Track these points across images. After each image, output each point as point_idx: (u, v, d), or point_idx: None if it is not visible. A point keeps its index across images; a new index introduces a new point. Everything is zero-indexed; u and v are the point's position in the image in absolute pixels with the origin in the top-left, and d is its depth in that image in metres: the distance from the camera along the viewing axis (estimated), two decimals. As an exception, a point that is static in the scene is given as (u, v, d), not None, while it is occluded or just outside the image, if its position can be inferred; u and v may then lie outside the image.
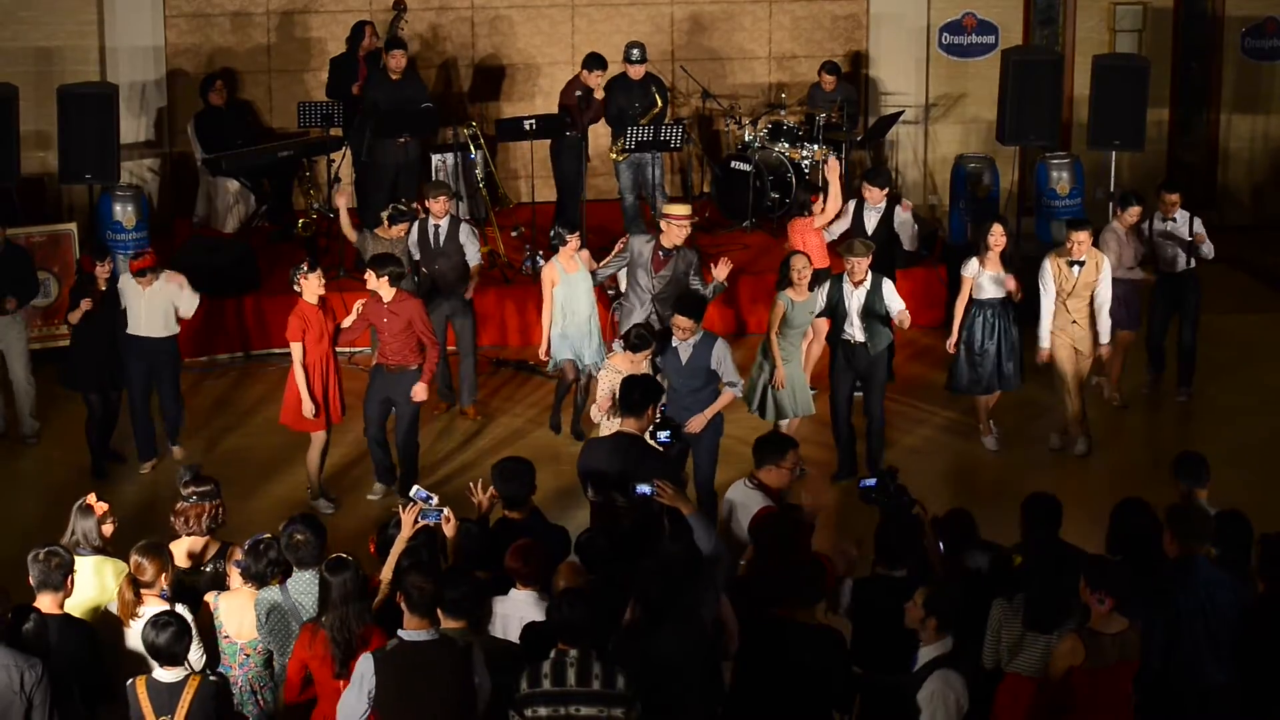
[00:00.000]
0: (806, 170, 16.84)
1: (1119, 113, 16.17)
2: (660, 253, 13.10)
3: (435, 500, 8.83)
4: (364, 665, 7.67)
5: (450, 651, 7.66)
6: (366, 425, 12.64)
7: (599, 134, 16.43)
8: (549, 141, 16.14)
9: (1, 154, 14.96)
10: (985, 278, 13.19)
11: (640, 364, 11.38)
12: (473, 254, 13.78)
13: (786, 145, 16.93)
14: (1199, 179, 18.40)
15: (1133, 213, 13.96)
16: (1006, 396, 13.61)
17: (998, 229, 13.19)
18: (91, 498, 9.06)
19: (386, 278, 12.22)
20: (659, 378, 11.57)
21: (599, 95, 15.86)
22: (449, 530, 8.74)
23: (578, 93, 15.82)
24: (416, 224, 13.71)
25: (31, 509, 12.51)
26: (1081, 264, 13.09)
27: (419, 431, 12.65)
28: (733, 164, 17.01)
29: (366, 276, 12.37)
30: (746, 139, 17.10)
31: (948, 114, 18.03)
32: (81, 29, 16.69)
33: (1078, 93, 17.44)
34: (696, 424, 11.48)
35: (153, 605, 8.42)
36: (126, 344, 12.84)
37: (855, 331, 12.69)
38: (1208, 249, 14.05)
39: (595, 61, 15.91)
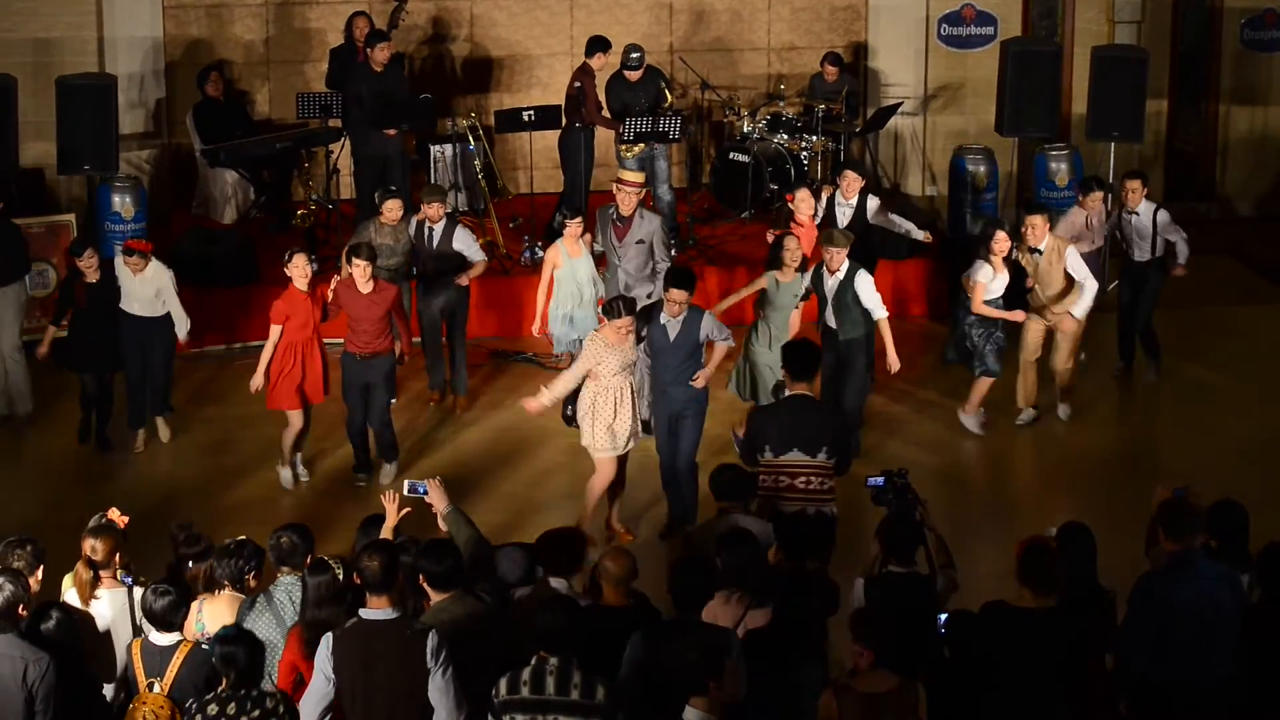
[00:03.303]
0: (805, 162, 16.84)
1: (1118, 104, 16.15)
2: (617, 220, 13.28)
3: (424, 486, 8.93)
4: (324, 645, 7.67)
5: (405, 632, 7.63)
6: (350, 417, 12.67)
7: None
8: (556, 133, 16.12)
9: (0, 145, 14.94)
10: (993, 280, 13.27)
11: (626, 336, 11.39)
12: (475, 254, 13.69)
13: (785, 137, 16.92)
14: (1197, 170, 18.40)
15: (1094, 198, 14.09)
16: (999, 383, 13.55)
17: (1001, 236, 13.12)
18: (114, 513, 8.94)
19: (364, 265, 12.22)
20: (643, 349, 11.77)
21: (597, 80, 15.84)
22: (437, 502, 8.76)
23: (576, 84, 15.80)
24: (415, 222, 13.64)
25: (28, 493, 12.54)
26: (1041, 252, 13.27)
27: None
28: (731, 155, 17.00)
29: (350, 264, 12.36)
30: (745, 130, 17.09)
31: (947, 105, 18.02)
32: (80, 20, 16.66)
33: (1077, 84, 17.42)
34: (703, 379, 11.58)
35: (109, 587, 8.53)
36: (123, 320, 13.03)
37: (829, 318, 12.74)
38: (1181, 252, 14.11)
39: (599, 44, 15.87)
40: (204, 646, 8.05)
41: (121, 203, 15.48)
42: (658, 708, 7.73)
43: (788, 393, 10.72)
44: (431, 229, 13.61)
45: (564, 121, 15.94)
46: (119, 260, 13.02)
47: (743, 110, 17.32)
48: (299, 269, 12.37)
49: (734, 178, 16.94)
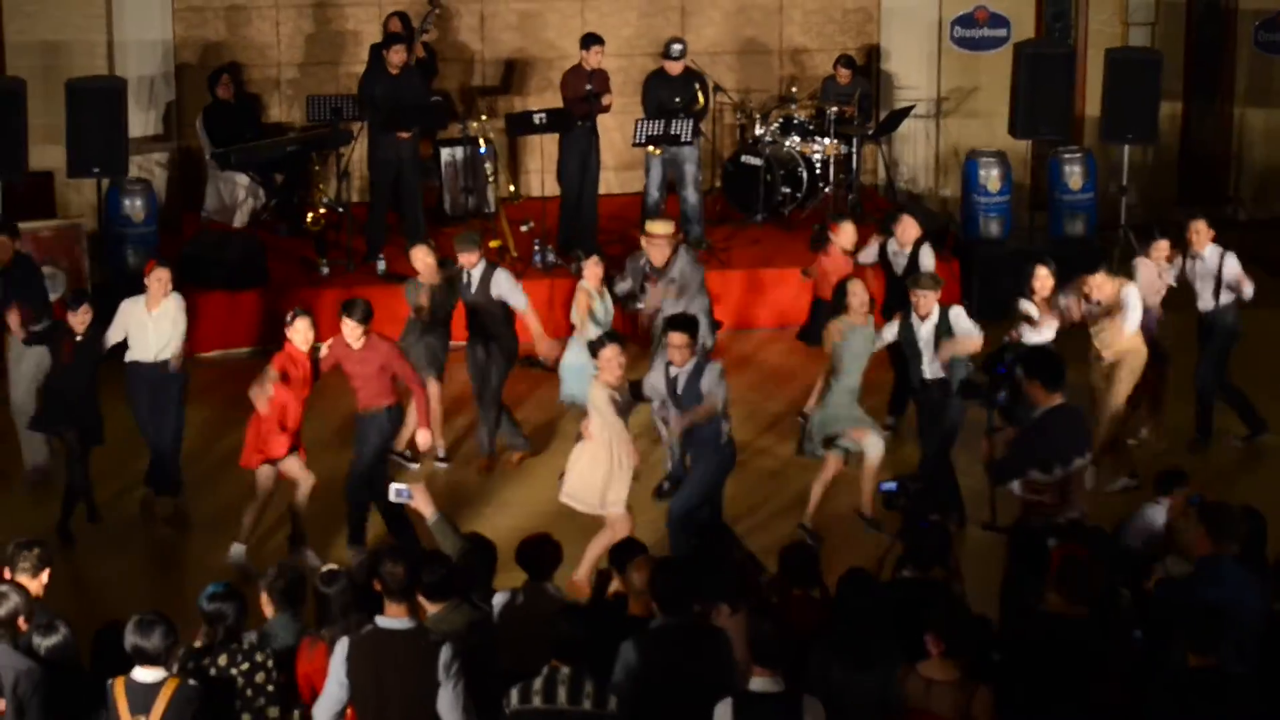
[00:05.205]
0: (818, 166, 16.80)
1: (1131, 106, 16.12)
2: (649, 269, 12.81)
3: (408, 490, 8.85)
4: (338, 651, 7.64)
5: (420, 642, 7.60)
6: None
7: (608, 128, 16.34)
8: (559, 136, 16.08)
9: (10, 148, 14.91)
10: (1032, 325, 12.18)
11: (620, 370, 10.91)
12: (519, 301, 12.78)
13: (797, 139, 16.90)
14: (1211, 173, 18.35)
15: (1159, 249, 12.93)
16: None
17: (1042, 271, 12.13)
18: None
19: (353, 322, 11.42)
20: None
21: (599, 71, 15.73)
22: (424, 508, 8.73)
23: (587, 86, 15.72)
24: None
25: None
26: (1100, 304, 12.20)
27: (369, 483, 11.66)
28: (743, 158, 16.96)
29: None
30: (757, 133, 17.05)
31: (959, 108, 17.96)
32: (89, 23, 16.63)
33: (1090, 86, 17.38)
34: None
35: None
36: (129, 374, 12.14)
37: (926, 368, 11.73)
38: (1248, 290, 13.19)
39: (593, 38, 15.79)
40: (190, 683, 7.75)
41: (132, 206, 15.43)
42: (661, 712, 7.72)
43: (1043, 406, 9.89)
44: (469, 274, 12.77)
45: (570, 123, 15.82)
46: (127, 305, 12.10)
47: (755, 113, 17.28)
48: (300, 333, 11.47)
49: (746, 181, 16.90)
